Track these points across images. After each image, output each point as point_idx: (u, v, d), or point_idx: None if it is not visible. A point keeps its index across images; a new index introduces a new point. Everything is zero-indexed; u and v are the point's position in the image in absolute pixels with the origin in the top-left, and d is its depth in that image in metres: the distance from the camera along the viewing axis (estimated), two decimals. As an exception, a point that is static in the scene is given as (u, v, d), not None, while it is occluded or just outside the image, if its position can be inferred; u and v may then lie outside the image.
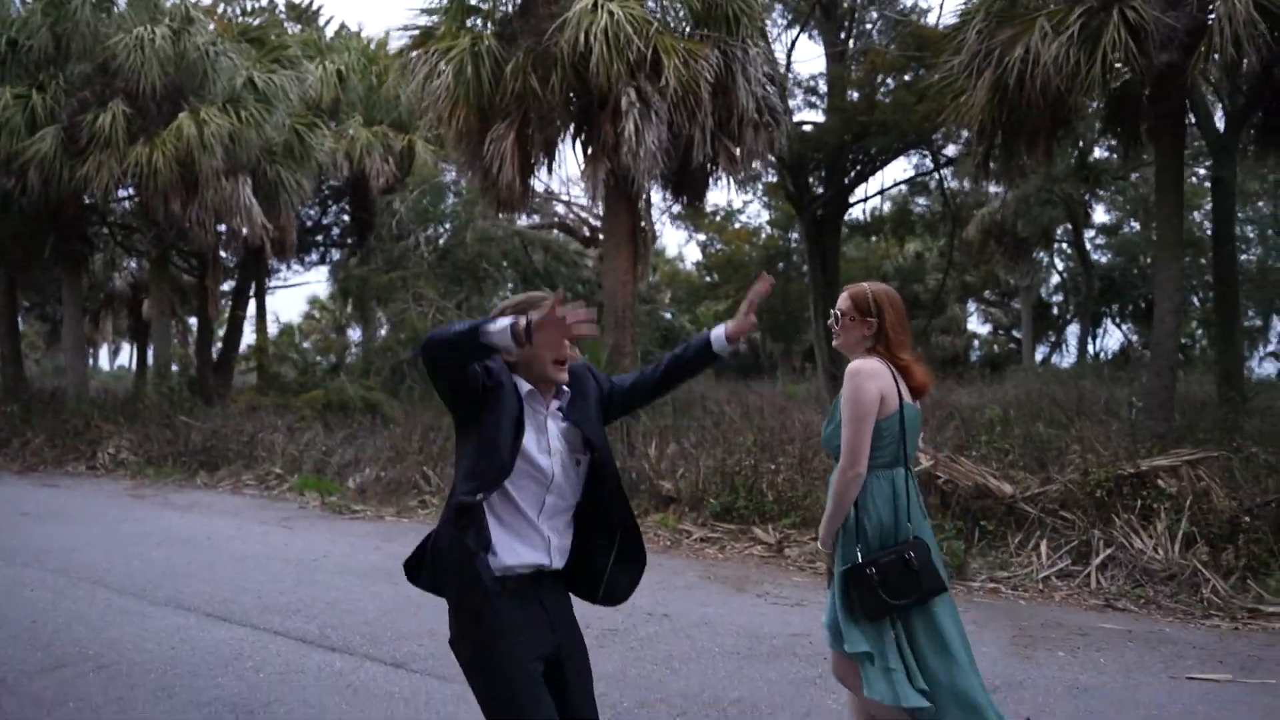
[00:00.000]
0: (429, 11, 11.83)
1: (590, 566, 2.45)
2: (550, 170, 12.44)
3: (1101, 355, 29.48)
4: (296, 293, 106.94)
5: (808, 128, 17.22)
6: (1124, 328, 32.67)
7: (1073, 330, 32.34)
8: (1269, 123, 10.62)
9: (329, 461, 11.10)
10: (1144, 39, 8.05)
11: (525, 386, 2.34)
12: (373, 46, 20.15)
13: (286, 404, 15.09)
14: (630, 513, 2.47)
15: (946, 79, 9.70)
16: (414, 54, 11.55)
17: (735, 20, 10.80)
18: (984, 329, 37.32)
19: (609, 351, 10.98)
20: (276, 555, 7.23)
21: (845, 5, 18.06)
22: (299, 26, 20.91)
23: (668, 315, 31.69)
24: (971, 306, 36.17)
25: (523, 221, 20.33)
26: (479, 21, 11.70)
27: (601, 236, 16.73)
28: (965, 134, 13.22)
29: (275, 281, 24.98)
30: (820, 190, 18.19)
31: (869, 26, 19.08)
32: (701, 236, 31.36)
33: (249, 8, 19.86)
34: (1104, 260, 30.21)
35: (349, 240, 22.52)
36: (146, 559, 7.02)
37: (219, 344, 20.89)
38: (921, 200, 25.81)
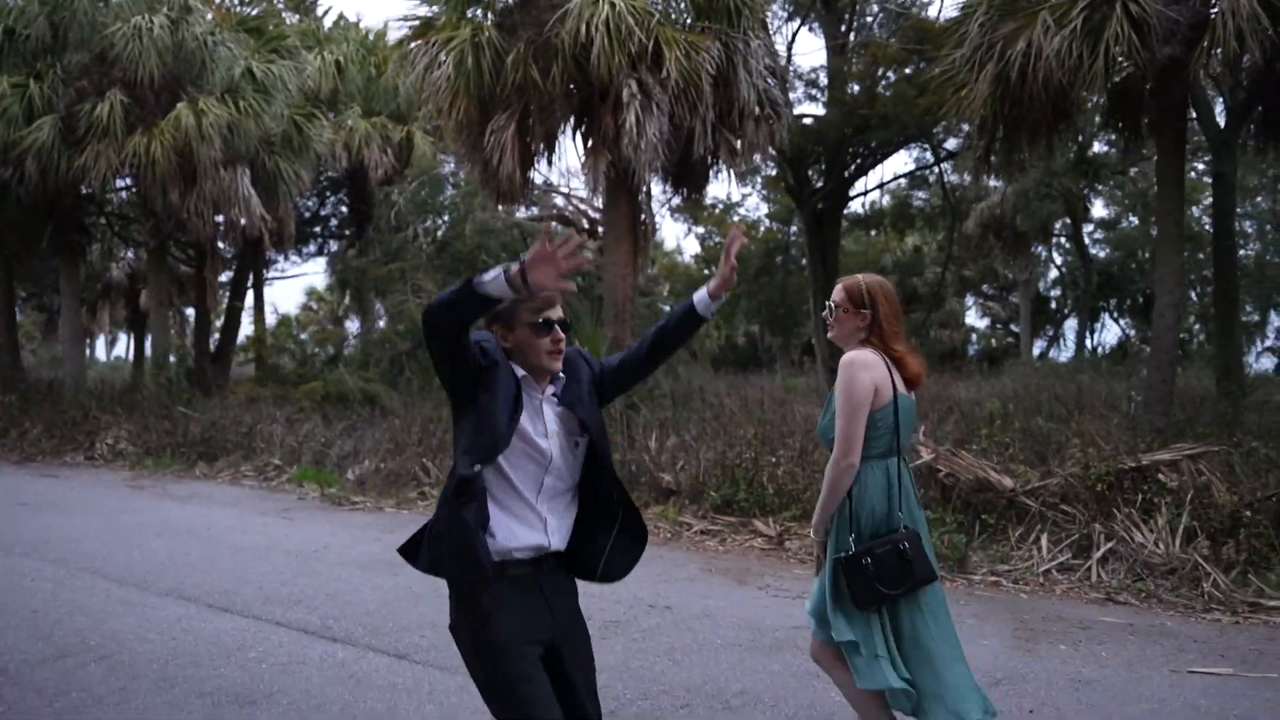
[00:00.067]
0: (429, 1, 11.78)
1: (590, 545, 2.48)
2: (550, 162, 12.39)
3: (1099, 350, 29.59)
4: (294, 284, 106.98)
5: (808, 121, 17.15)
6: (1122, 322, 32.75)
7: (1071, 325, 32.46)
8: (1270, 118, 10.61)
9: (328, 453, 11.09)
10: (1146, 33, 8.03)
11: (521, 372, 2.39)
12: (371, 37, 20.05)
13: (285, 395, 15.04)
14: (625, 492, 2.52)
15: (948, 72, 9.65)
16: (414, 45, 11.48)
17: (736, 12, 10.75)
18: (982, 323, 37.40)
19: (608, 344, 10.99)
20: (277, 546, 7.23)
21: (846, -3, 18.01)
22: (297, 17, 20.81)
23: (666, 308, 31.68)
24: (970, 300, 36.23)
25: (522, 213, 20.27)
26: (479, 12, 11.63)
27: (601, 229, 16.69)
28: (966, 128, 13.17)
29: (273, 272, 24.91)
30: (820, 183, 18.16)
31: (870, 19, 19.02)
32: (700, 229, 31.38)
33: (247, -3, 19.76)
34: (1102, 255, 30.28)
35: (347, 231, 22.46)
36: (146, 550, 7.02)
37: (217, 335, 20.81)
38: (921, 194, 25.82)
